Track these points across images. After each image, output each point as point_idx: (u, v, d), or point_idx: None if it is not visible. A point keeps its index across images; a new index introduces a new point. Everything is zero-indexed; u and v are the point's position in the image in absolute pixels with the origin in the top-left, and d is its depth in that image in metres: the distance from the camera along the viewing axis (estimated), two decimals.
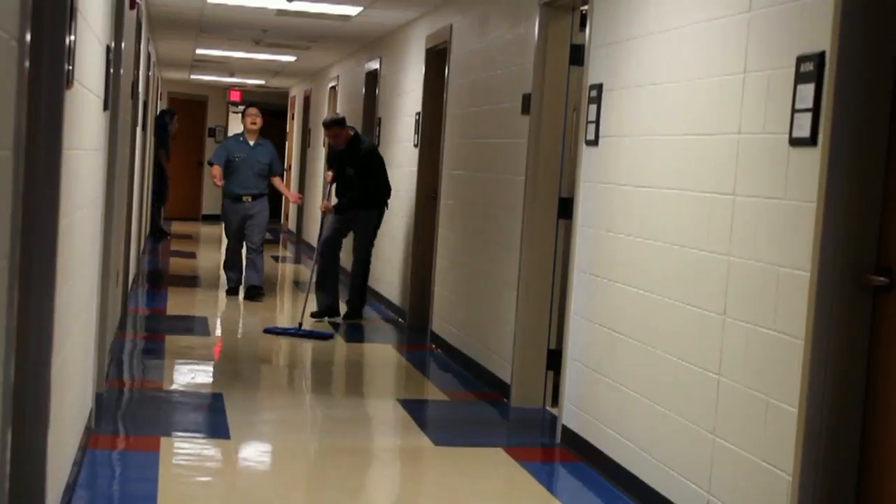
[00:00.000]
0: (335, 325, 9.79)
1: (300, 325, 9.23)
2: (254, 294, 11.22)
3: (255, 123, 11.31)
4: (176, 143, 22.21)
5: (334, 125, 10.10)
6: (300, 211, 18.89)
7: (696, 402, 4.61)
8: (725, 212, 4.43)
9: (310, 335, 9.04)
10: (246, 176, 11.18)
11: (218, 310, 10.87)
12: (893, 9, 3.73)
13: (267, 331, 9.12)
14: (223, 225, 11.80)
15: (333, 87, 15.95)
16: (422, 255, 9.85)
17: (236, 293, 11.43)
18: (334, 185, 10.27)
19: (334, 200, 10.17)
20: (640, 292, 5.22)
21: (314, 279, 10.12)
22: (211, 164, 11.40)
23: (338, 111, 14.12)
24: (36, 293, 3.43)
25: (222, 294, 11.51)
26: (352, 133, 10.13)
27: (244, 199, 11.21)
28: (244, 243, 11.39)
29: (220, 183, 11.24)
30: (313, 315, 9.94)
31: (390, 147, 11.35)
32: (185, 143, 22.58)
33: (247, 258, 11.31)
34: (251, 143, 11.28)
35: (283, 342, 8.89)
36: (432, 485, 5.57)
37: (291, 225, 20.68)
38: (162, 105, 20.50)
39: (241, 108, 25.69)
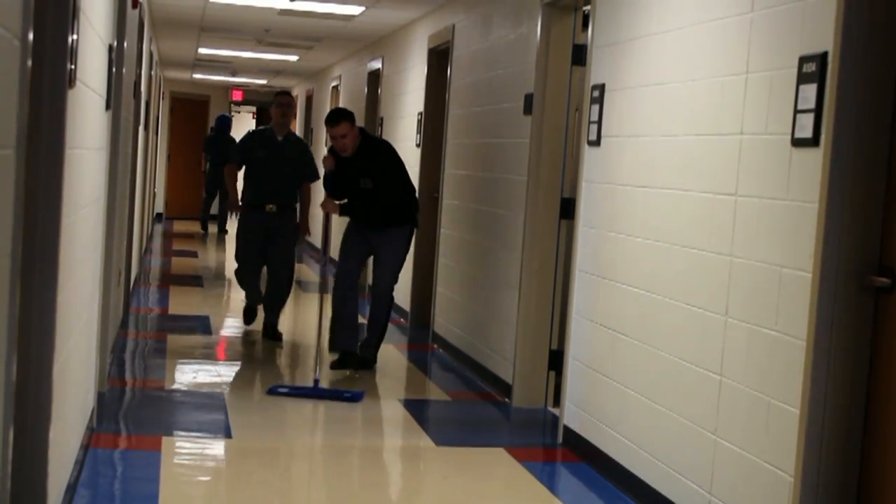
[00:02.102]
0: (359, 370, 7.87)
1: (316, 381, 7.12)
2: (272, 336, 8.97)
3: (285, 115, 8.88)
4: (176, 142, 22.29)
5: (341, 120, 7.60)
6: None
7: (698, 402, 4.60)
8: (727, 212, 4.42)
9: (332, 395, 6.94)
10: (270, 179, 8.70)
11: (225, 331, 9.33)
12: (895, 9, 3.73)
13: (274, 391, 6.98)
14: (235, 244, 9.25)
15: (336, 87, 15.95)
16: (423, 255, 9.85)
17: (252, 318, 9.34)
18: (332, 183, 8.00)
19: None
20: (641, 292, 5.22)
21: (330, 316, 7.95)
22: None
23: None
24: (38, 292, 3.44)
25: (223, 293, 11.44)
26: (360, 135, 7.75)
27: (267, 208, 8.70)
28: (264, 269, 8.97)
29: (236, 207, 9.04)
30: (334, 367, 7.79)
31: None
32: (186, 143, 22.62)
33: (269, 288, 8.89)
34: (279, 138, 8.82)
35: (283, 343, 8.89)
36: (434, 485, 5.57)
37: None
38: (164, 105, 20.52)
39: (242, 107, 25.87)
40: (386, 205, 7.64)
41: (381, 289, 7.84)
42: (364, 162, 7.63)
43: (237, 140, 9.83)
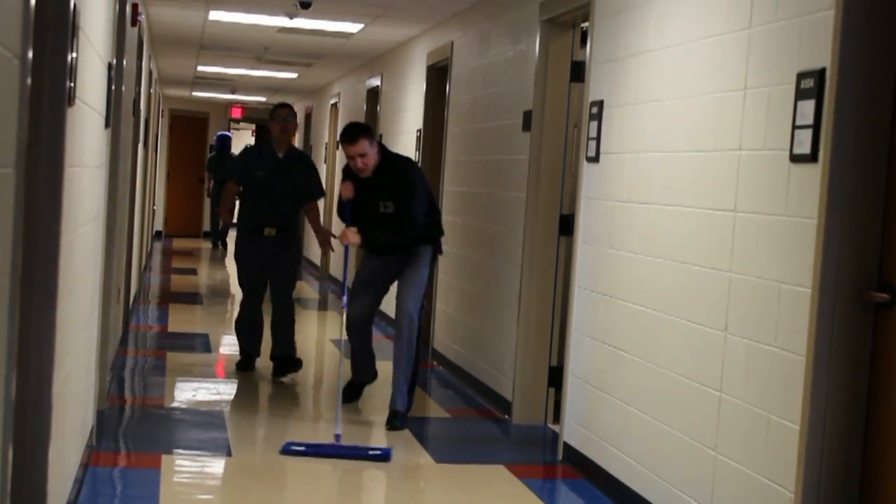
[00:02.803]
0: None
1: (337, 437, 6.12)
2: (285, 367, 8.01)
3: (285, 130, 8.07)
4: (175, 160, 22.33)
5: (359, 138, 6.62)
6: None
7: (698, 418, 4.60)
8: (726, 228, 4.43)
9: (356, 454, 5.98)
10: (269, 201, 7.89)
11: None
12: (893, 25, 3.74)
13: (288, 450, 5.93)
14: (236, 270, 8.43)
15: (335, 104, 15.97)
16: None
17: (251, 365, 8.26)
18: (351, 209, 6.88)
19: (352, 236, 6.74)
20: (641, 309, 5.22)
21: (349, 361, 7.14)
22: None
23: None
24: (37, 310, 3.43)
25: (223, 310, 11.44)
26: (380, 152, 6.80)
27: (266, 231, 7.91)
28: (266, 297, 8.16)
29: (228, 219, 8.56)
30: (346, 400, 7.06)
31: None
32: (185, 161, 22.65)
33: (273, 318, 8.08)
34: (280, 155, 8.00)
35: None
36: (434, 502, 5.56)
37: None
38: (164, 122, 20.56)
39: (241, 124, 25.91)
40: (409, 231, 6.63)
41: (406, 308, 6.70)
42: (384, 182, 6.65)
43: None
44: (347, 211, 6.78)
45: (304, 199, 8.07)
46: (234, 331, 8.48)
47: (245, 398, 7.55)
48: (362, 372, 7.27)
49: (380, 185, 6.66)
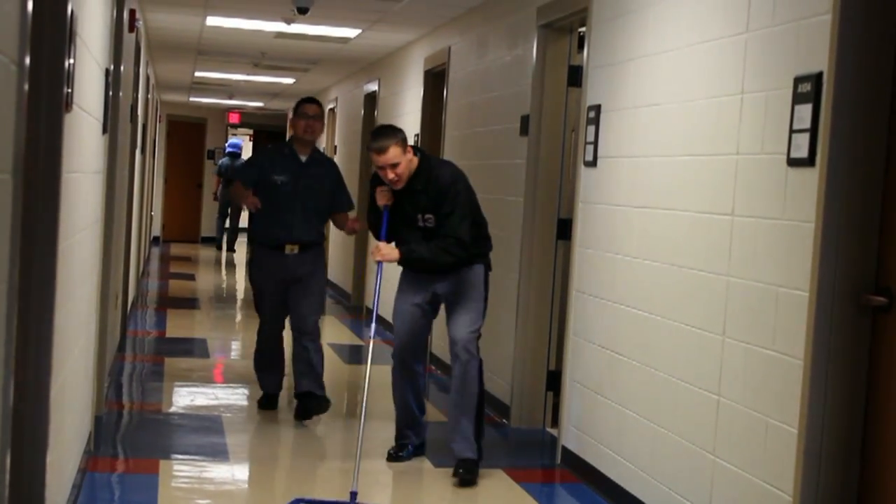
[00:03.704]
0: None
1: (353, 494, 5.22)
2: (311, 408, 6.84)
3: (310, 129, 6.83)
4: (173, 165, 22.35)
5: (389, 145, 5.68)
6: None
7: (696, 422, 4.60)
8: (724, 232, 4.43)
9: None
10: (291, 211, 6.73)
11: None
12: (890, 30, 3.74)
13: None
14: (253, 293, 7.15)
15: (332, 109, 15.98)
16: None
17: (274, 404, 7.14)
18: (386, 221, 5.91)
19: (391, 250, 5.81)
20: (639, 313, 5.22)
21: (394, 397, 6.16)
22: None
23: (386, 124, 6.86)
24: (35, 315, 3.43)
25: (219, 315, 11.41)
26: (417, 159, 5.81)
27: (288, 249, 6.75)
28: (288, 323, 6.99)
29: (253, 202, 6.76)
30: (393, 457, 6.05)
31: None
32: (183, 166, 22.65)
33: (294, 350, 6.92)
34: (302, 158, 6.86)
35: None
36: None
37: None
38: (162, 127, 20.57)
39: (239, 130, 25.94)
40: (457, 250, 5.68)
41: (461, 342, 5.72)
42: (423, 192, 5.75)
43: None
44: (382, 222, 5.87)
45: (332, 210, 6.96)
46: (252, 365, 7.24)
47: (244, 403, 7.54)
48: (409, 419, 6.10)
49: (417, 195, 5.75)
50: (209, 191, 22.48)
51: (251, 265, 7.03)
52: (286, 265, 6.75)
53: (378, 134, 5.78)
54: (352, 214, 7.14)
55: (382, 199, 5.84)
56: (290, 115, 7.17)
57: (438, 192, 5.70)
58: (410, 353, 5.99)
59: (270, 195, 6.72)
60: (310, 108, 6.91)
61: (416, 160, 5.77)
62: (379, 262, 5.84)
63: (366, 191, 8.05)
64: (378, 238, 5.90)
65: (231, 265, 19.24)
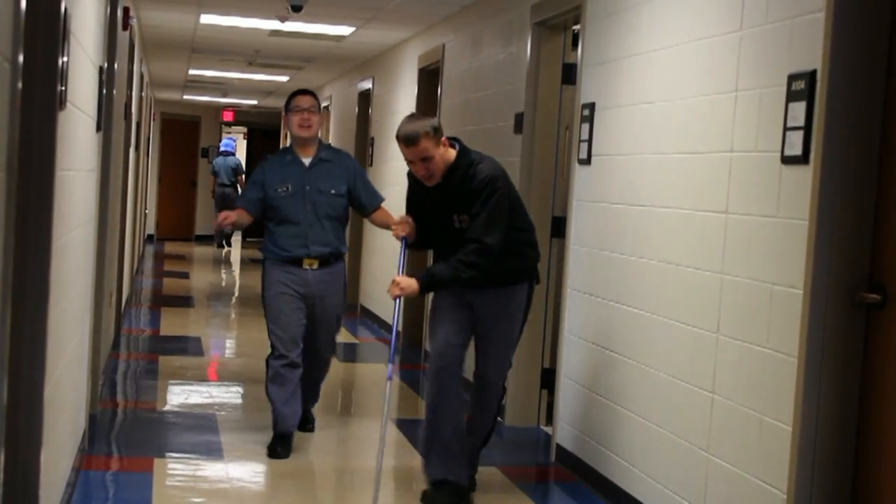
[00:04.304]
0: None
1: None
2: (302, 427, 6.39)
3: (307, 124, 6.07)
4: (167, 163, 22.37)
5: (419, 138, 5.01)
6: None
7: (690, 419, 4.60)
8: (718, 229, 4.43)
9: None
10: (305, 224, 5.99)
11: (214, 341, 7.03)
12: (884, 27, 3.75)
13: None
14: (263, 309, 6.16)
15: (326, 107, 15.98)
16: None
17: (288, 447, 5.99)
18: (406, 246, 5.45)
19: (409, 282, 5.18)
20: (633, 311, 5.22)
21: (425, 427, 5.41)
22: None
23: (415, 113, 6.80)
24: (29, 314, 3.43)
25: (214, 313, 11.37)
26: (455, 150, 5.17)
27: (306, 264, 6.00)
28: (304, 347, 6.10)
29: (226, 222, 6.02)
30: (427, 500, 5.27)
31: (383, 166, 11.36)
32: (177, 164, 22.64)
33: (304, 376, 6.11)
34: (306, 161, 6.08)
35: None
36: None
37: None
38: (156, 126, 20.56)
39: (233, 128, 25.94)
40: (479, 257, 5.01)
41: (488, 378, 5.30)
42: (457, 189, 5.09)
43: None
44: (401, 254, 5.44)
45: (360, 212, 6.23)
46: (265, 394, 6.16)
47: (238, 401, 7.54)
48: (443, 464, 5.26)
49: (452, 192, 5.10)
50: (203, 189, 22.51)
51: (265, 284, 6.07)
52: (305, 282, 6.00)
53: (408, 125, 5.07)
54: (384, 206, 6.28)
55: (402, 230, 5.32)
56: (283, 113, 6.30)
57: (473, 189, 5.03)
58: (452, 371, 5.23)
59: (277, 212, 5.99)
60: (303, 99, 6.14)
61: (452, 153, 5.12)
62: (397, 298, 5.20)
63: None
64: (398, 269, 5.36)
65: (227, 263, 19.25)
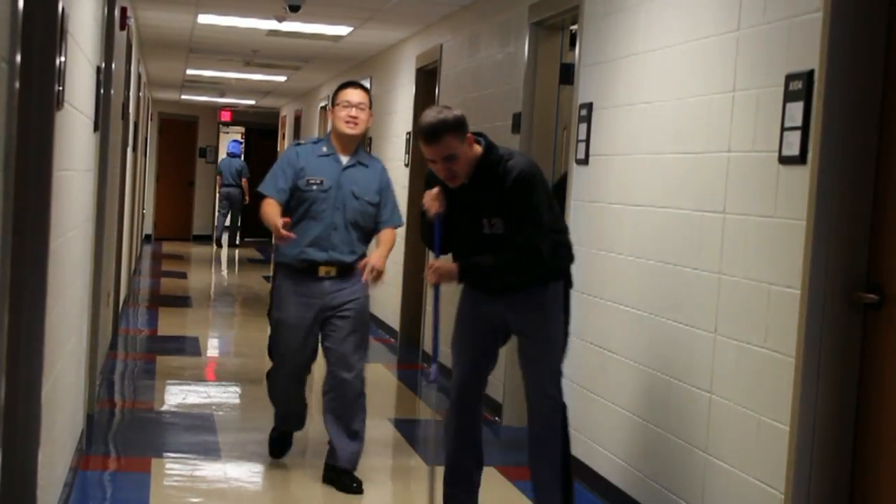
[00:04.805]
0: None
1: None
2: (343, 483, 5.43)
3: (354, 121, 5.42)
4: (164, 163, 22.37)
5: (443, 135, 4.42)
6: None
7: (688, 420, 4.60)
8: (716, 230, 4.43)
9: None
10: (330, 226, 5.35)
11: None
12: (881, 28, 3.75)
13: None
14: (269, 327, 5.63)
15: (324, 107, 15.98)
16: (413, 274, 9.84)
17: (284, 448, 5.83)
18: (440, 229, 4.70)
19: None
20: (630, 310, 5.22)
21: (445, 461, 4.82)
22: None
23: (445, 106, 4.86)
24: (26, 314, 3.43)
25: (212, 313, 11.35)
26: (481, 148, 4.57)
27: (323, 271, 5.37)
28: (314, 365, 5.63)
29: (285, 236, 5.11)
30: None
31: None
32: (174, 164, 22.64)
33: (328, 397, 5.44)
34: (344, 160, 5.44)
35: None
36: None
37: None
38: (154, 126, 20.56)
39: (231, 128, 25.92)
40: (533, 264, 4.50)
41: (539, 398, 4.60)
42: (487, 191, 4.52)
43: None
44: (436, 234, 4.67)
45: (377, 226, 5.48)
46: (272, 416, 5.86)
47: (235, 401, 7.54)
48: (461, 480, 4.77)
49: (480, 194, 4.53)
50: (201, 189, 22.52)
51: (274, 292, 5.50)
52: (321, 292, 5.36)
53: (430, 119, 4.45)
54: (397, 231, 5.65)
55: (433, 206, 4.60)
56: (328, 104, 5.51)
57: (509, 189, 4.44)
58: (473, 394, 4.73)
59: (302, 205, 5.34)
60: (353, 93, 5.44)
61: (478, 149, 4.54)
62: (435, 287, 4.69)
63: None
64: (434, 252, 4.72)
65: (231, 262, 19.24)
